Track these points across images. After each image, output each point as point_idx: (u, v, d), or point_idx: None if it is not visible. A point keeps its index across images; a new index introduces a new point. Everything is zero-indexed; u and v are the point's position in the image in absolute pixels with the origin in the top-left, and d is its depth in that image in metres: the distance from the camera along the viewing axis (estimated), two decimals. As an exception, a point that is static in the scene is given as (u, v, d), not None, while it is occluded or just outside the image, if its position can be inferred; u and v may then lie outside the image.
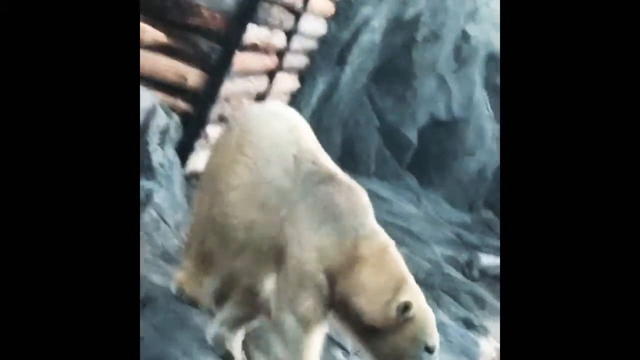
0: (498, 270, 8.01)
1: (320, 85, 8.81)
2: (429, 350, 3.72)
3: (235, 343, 4.27)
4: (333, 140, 9.96)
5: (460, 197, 10.31)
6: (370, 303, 3.71)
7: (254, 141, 4.05)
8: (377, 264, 3.76)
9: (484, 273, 8.14)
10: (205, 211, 4.22)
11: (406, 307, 3.67)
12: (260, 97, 7.16)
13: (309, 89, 8.59)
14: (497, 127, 10.70)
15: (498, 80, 10.60)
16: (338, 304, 3.79)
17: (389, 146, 10.12)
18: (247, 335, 4.35)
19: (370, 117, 9.89)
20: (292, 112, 4.32)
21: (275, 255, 3.85)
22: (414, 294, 3.77)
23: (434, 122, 10.39)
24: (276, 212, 3.86)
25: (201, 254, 4.30)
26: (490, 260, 8.10)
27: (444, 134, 10.44)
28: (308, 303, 3.77)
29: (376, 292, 3.72)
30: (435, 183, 10.36)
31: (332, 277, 3.76)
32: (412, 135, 10.17)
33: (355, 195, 3.90)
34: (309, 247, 3.76)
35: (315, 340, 3.89)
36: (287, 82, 7.95)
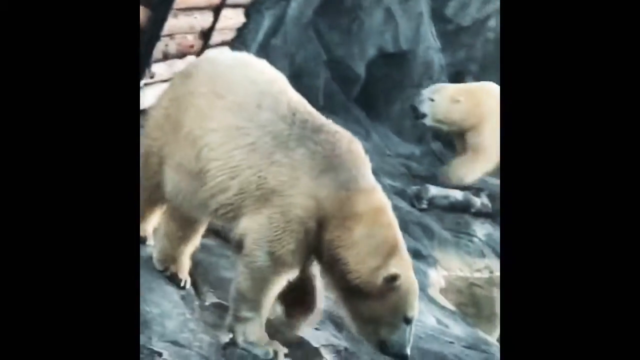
0: (446, 201, 8.12)
1: (267, 20, 8.72)
2: (407, 321, 3.75)
3: (181, 265, 4.32)
4: (281, 75, 9.89)
5: (408, 130, 10.35)
6: (359, 262, 3.70)
7: (235, 87, 3.94)
8: (372, 223, 3.72)
9: (432, 204, 8.22)
10: (160, 156, 4.13)
11: (394, 278, 3.66)
12: (205, 33, 7.07)
13: (255, 24, 8.49)
14: (444, 58, 10.73)
15: (445, 11, 10.60)
16: (327, 255, 3.78)
17: (336, 80, 10.08)
18: (195, 269, 4.39)
19: (318, 51, 9.82)
20: (265, 63, 4.21)
21: (260, 197, 3.79)
22: (404, 265, 3.75)
23: (382, 55, 10.35)
24: (268, 156, 3.78)
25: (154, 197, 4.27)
26: (438, 191, 8.18)
27: (391, 66, 10.42)
28: (290, 247, 3.76)
29: (366, 254, 3.69)
30: (383, 116, 10.37)
31: (323, 226, 3.74)
32: (360, 68, 10.13)
33: (356, 146, 3.87)
34: (306, 193, 3.71)
35: (281, 283, 3.91)
36: (233, 18, 7.85)
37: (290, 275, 3.92)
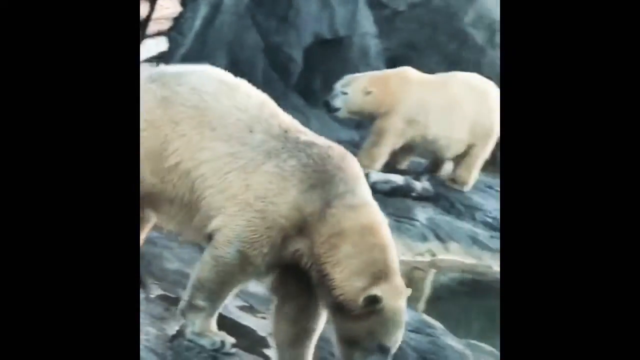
0: (387, 186, 8.18)
1: (203, 8, 8.66)
2: (382, 349, 3.64)
3: None
4: (218, 64, 9.84)
5: (347, 115, 10.38)
6: (344, 280, 3.63)
7: (225, 119, 3.87)
8: (359, 242, 3.65)
9: (373, 189, 8.26)
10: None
11: (374, 300, 3.58)
12: (142, 23, 7.00)
13: (192, 13, 8.44)
14: (381, 44, 10.79)
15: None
16: (315, 269, 3.73)
17: (274, 67, 10.08)
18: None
19: (255, 39, 9.80)
20: (247, 84, 4.12)
21: (242, 200, 3.79)
22: (391, 291, 3.64)
23: (319, 42, 10.37)
24: (258, 167, 3.77)
25: None
26: (379, 177, 8.24)
27: (328, 53, 10.45)
28: (263, 250, 3.76)
29: (352, 272, 3.63)
30: (322, 102, 10.42)
31: (311, 240, 3.70)
32: (297, 55, 10.14)
33: (348, 162, 3.83)
34: (292, 205, 3.70)
35: (243, 283, 3.96)
36: (169, 7, 7.79)
37: (254, 277, 3.94)
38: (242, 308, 4.81)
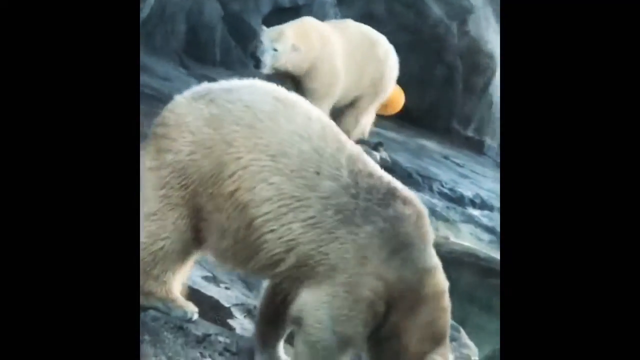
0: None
1: (163, -26, 8.59)
2: None
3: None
4: (177, 30, 9.78)
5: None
6: (415, 346, 3.53)
7: (286, 147, 3.55)
8: (434, 308, 3.54)
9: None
10: (193, 209, 3.73)
11: None
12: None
13: (152, -20, 8.36)
14: (340, 12, 10.79)
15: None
16: (385, 334, 3.56)
17: (233, 35, 10.03)
18: None
19: (214, 6, 9.74)
20: (302, 100, 3.78)
21: (321, 272, 3.53)
22: (446, 353, 3.59)
23: (277, 10, 10.34)
24: (330, 231, 3.49)
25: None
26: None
27: (287, 21, 10.41)
28: (358, 329, 3.53)
29: (423, 338, 3.53)
30: (249, 55, 10.36)
31: (391, 307, 3.52)
32: (256, 23, 10.09)
33: (423, 220, 3.60)
34: (374, 275, 3.46)
35: None
36: (128, -27, 7.67)
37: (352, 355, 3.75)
38: (205, 278, 4.81)
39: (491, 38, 11.34)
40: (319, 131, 3.58)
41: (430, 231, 3.61)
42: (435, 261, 3.59)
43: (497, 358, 5.98)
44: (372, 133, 9.14)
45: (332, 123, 3.69)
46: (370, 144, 8.62)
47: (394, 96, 10.52)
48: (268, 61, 7.50)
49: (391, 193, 3.55)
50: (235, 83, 3.88)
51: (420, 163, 9.07)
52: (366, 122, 8.48)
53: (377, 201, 3.51)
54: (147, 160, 3.77)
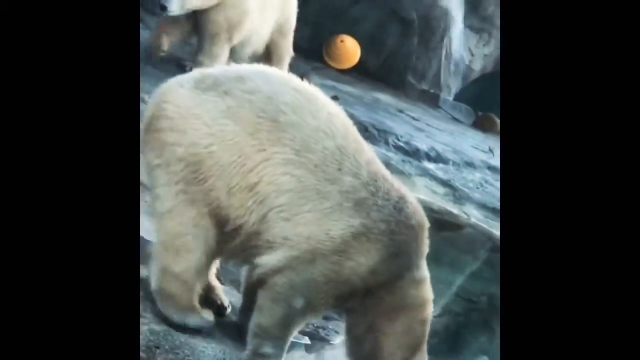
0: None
1: None
2: None
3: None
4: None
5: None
6: (392, 353, 3.65)
7: (311, 143, 3.54)
8: (415, 318, 3.65)
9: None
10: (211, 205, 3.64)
11: None
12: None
13: None
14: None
15: None
16: (362, 332, 3.70)
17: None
18: None
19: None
20: (322, 94, 3.71)
21: (319, 251, 3.58)
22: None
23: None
24: (343, 218, 3.53)
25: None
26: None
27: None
28: (329, 301, 3.64)
29: (400, 345, 3.64)
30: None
31: (367, 301, 3.63)
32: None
33: (423, 231, 3.66)
34: (372, 269, 3.55)
35: (302, 324, 3.83)
36: None
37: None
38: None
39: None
40: (341, 129, 3.59)
41: (427, 244, 3.68)
42: (425, 274, 3.67)
43: (451, 309, 6.11)
44: (327, 87, 9.15)
45: (349, 120, 3.70)
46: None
47: (350, 49, 10.51)
48: (175, 6, 7.14)
49: (403, 199, 3.61)
50: (242, 70, 3.81)
51: (375, 117, 9.10)
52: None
53: (393, 203, 3.57)
54: (151, 158, 3.68)
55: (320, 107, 3.60)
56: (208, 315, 3.86)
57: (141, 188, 3.65)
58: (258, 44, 8.06)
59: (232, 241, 3.67)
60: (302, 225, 3.52)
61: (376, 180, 3.58)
